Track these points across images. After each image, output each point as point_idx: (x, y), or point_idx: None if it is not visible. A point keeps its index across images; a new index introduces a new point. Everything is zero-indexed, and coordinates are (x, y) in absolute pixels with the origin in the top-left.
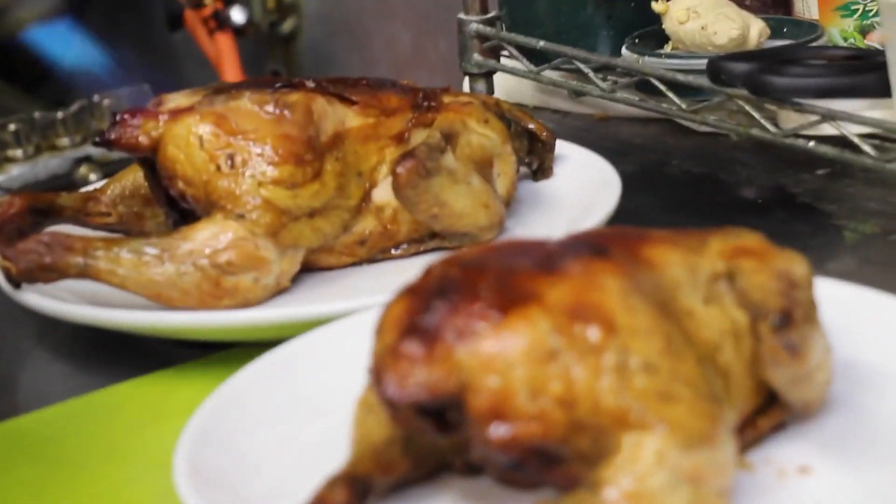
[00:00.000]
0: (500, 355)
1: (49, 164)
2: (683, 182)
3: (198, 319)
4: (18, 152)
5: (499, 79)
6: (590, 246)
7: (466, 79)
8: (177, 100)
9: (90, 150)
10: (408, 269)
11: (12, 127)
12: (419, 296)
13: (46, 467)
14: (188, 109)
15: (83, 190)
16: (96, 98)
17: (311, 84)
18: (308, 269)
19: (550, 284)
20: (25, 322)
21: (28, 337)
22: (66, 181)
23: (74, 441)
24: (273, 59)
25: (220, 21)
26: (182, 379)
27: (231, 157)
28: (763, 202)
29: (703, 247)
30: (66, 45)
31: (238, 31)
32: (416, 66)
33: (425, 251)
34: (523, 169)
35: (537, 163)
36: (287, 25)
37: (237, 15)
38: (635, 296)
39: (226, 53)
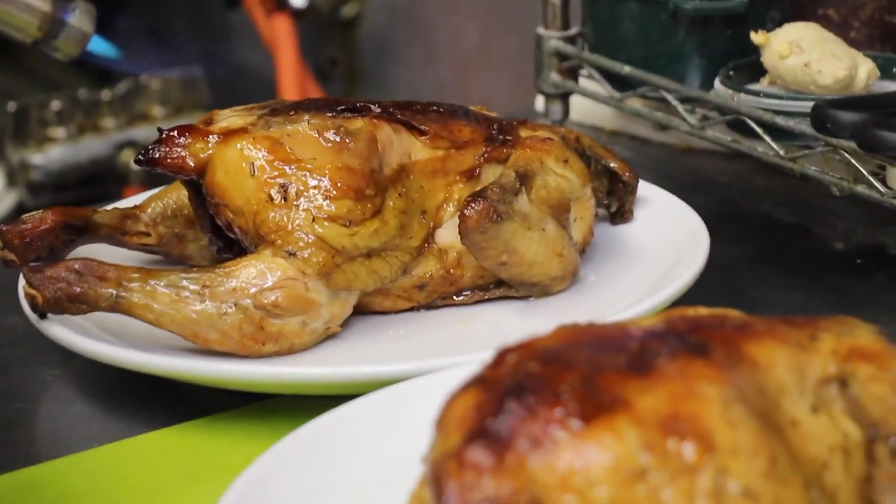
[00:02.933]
0: (581, 471)
1: (91, 147)
2: (771, 230)
3: (233, 370)
4: (60, 132)
5: (575, 99)
6: (687, 341)
7: (539, 98)
8: (229, 118)
9: (135, 133)
10: (469, 320)
11: (55, 105)
12: (490, 391)
13: None
14: (241, 131)
15: (121, 206)
16: (144, 78)
17: (377, 109)
18: (360, 311)
19: (642, 389)
20: (47, 350)
21: (50, 367)
22: (108, 166)
23: (92, 498)
24: (331, 45)
25: (279, 2)
26: (217, 431)
27: (284, 188)
28: (862, 262)
29: (812, 343)
30: (114, 18)
31: (297, 14)
32: (481, 64)
33: (490, 299)
34: (601, 211)
35: (617, 205)
36: (348, 10)
37: None
38: (737, 407)
39: (283, 36)
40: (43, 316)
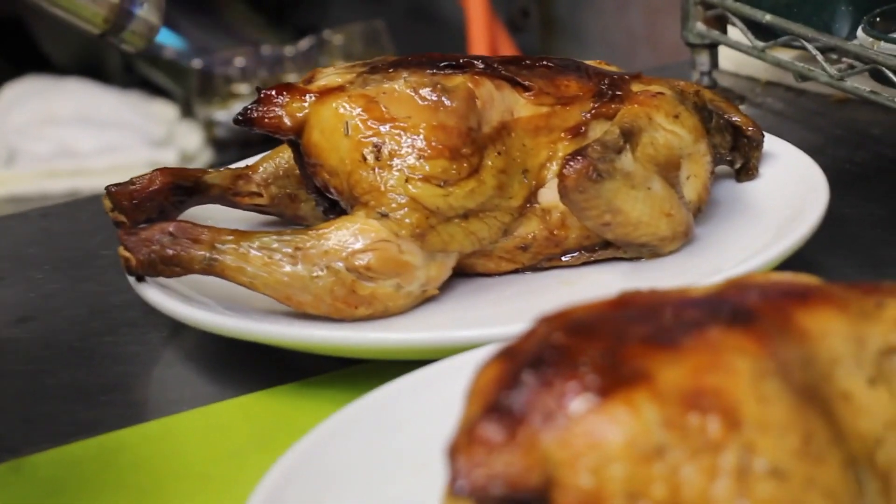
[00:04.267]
0: (595, 448)
1: None
2: None
3: (316, 335)
4: (244, 87)
5: (726, 50)
6: (733, 309)
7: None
8: (330, 76)
9: None
10: (575, 282)
11: (239, 61)
12: (512, 363)
13: (134, 495)
14: (337, 89)
15: (232, 167)
16: (327, 34)
17: (480, 65)
18: (463, 273)
19: (666, 361)
20: (158, 312)
21: (158, 329)
22: None
23: (167, 463)
24: None
25: None
26: (303, 396)
27: (378, 148)
28: None
29: (877, 311)
30: None
31: None
32: (673, 11)
33: (597, 261)
34: (725, 168)
35: (741, 161)
36: None
37: None
38: (771, 380)
39: None
40: (140, 279)
